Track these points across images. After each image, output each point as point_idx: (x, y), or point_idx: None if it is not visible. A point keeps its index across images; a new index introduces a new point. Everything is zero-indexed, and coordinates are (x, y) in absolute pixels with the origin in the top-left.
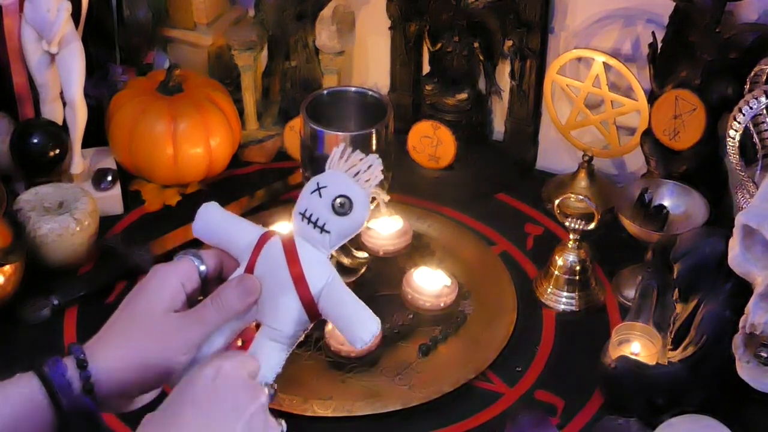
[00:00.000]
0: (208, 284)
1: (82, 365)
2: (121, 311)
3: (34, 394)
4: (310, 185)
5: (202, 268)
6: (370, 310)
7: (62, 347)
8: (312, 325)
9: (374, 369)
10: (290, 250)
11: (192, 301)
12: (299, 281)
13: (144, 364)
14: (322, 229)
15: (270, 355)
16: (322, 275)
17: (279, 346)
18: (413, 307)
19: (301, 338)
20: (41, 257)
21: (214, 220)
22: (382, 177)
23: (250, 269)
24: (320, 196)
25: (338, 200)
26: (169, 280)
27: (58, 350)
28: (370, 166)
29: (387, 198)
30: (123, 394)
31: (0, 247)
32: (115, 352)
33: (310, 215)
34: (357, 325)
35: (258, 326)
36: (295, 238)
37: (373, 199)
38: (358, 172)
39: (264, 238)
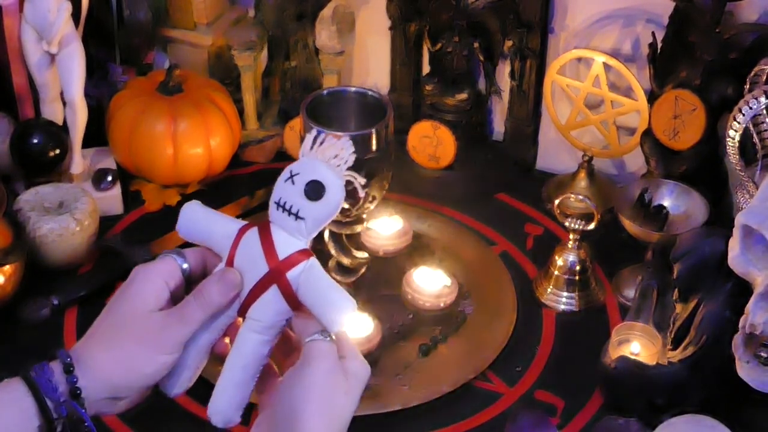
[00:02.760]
0: (193, 282)
1: (68, 369)
2: (105, 313)
3: (21, 400)
4: (284, 174)
5: (185, 265)
6: (347, 293)
7: (62, 347)
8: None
9: (374, 369)
10: (266, 239)
11: (177, 299)
12: (276, 270)
13: (130, 365)
14: (297, 216)
15: (253, 349)
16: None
17: (261, 339)
18: (413, 307)
19: (285, 329)
20: (41, 257)
21: (196, 219)
22: (354, 158)
23: (230, 263)
24: (293, 183)
25: (310, 185)
26: (152, 280)
27: (58, 350)
28: (342, 149)
29: (363, 180)
30: (111, 396)
31: (0, 247)
32: (100, 354)
33: (284, 203)
34: (331, 307)
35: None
36: (272, 228)
37: (349, 182)
38: (331, 157)
39: (242, 231)
